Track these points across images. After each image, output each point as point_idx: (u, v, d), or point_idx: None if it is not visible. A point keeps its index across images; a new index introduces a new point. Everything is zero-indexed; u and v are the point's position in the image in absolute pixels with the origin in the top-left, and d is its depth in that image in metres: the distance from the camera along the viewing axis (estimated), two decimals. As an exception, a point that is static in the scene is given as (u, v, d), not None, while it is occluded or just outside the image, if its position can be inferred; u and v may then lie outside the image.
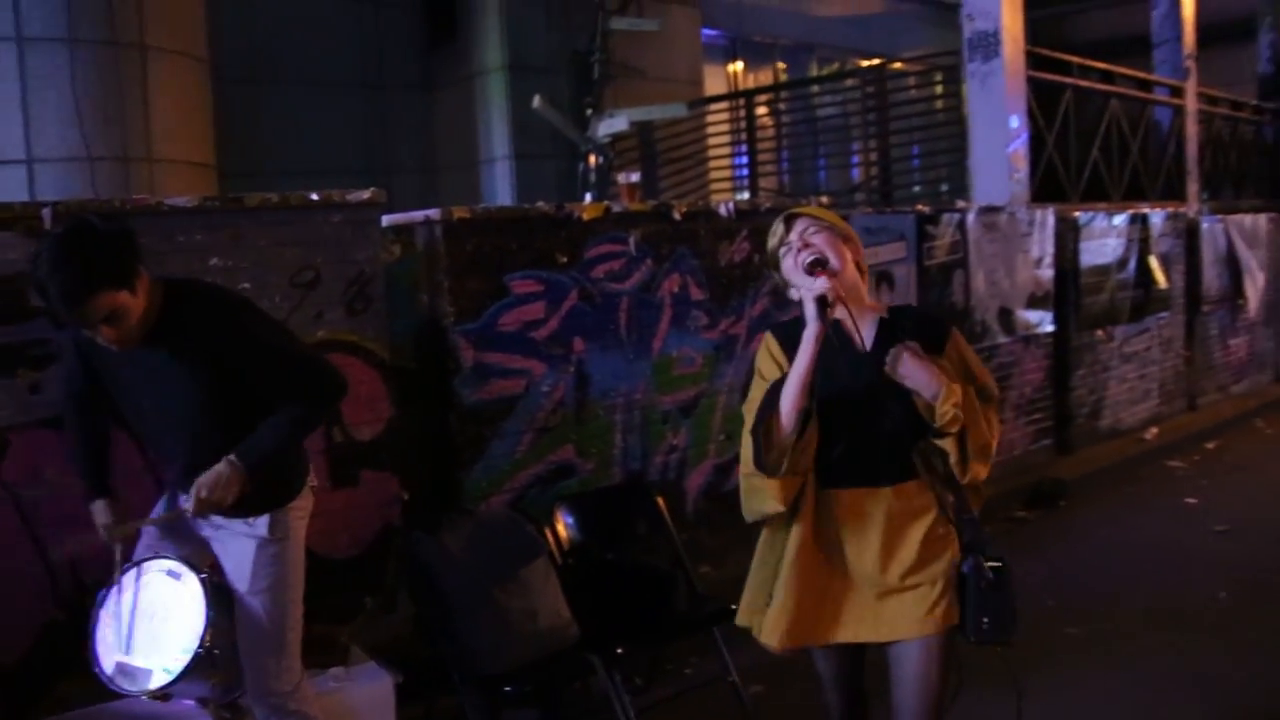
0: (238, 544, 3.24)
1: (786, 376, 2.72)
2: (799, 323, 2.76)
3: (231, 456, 3.06)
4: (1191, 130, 12.22)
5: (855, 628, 2.87)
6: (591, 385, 5.39)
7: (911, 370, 2.69)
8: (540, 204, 5.26)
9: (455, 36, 10.17)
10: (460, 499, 4.84)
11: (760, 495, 2.84)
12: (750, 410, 2.80)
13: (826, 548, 2.86)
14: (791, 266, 2.83)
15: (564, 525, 4.47)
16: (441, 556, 3.84)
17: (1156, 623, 5.36)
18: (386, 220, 4.85)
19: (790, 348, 2.75)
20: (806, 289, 2.72)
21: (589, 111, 9.73)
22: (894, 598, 2.82)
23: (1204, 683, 4.72)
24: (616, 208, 5.52)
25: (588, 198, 8.47)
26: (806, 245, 2.81)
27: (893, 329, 2.86)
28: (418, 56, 10.46)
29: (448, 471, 4.90)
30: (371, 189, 4.55)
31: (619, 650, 3.88)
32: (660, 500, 4.79)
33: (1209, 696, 4.61)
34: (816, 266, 2.74)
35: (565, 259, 5.24)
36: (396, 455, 4.66)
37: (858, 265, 2.92)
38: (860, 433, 2.80)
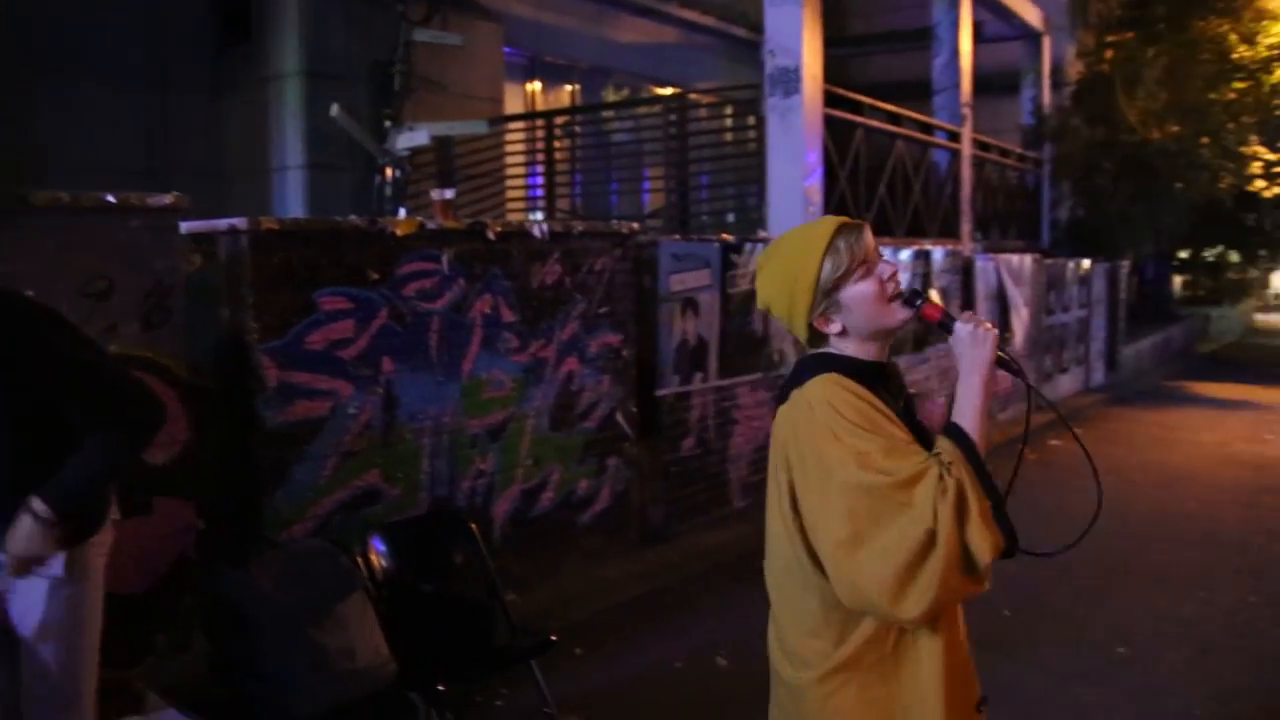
0: (28, 584, 2.88)
1: (957, 424, 2.14)
2: (830, 359, 2.23)
3: (37, 502, 2.75)
4: (966, 173, 12.94)
5: None
6: (400, 407, 5.21)
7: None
8: (353, 217, 5.05)
9: (249, 37, 9.72)
10: (261, 527, 4.57)
11: (949, 573, 2.03)
12: (898, 471, 2.03)
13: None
14: (876, 293, 2.19)
15: (377, 555, 4.27)
16: (251, 591, 3.61)
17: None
18: (185, 228, 4.54)
19: (870, 386, 2.17)
20: (970, 331, 2.17)
21: (388, 123, 9.46)
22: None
23: (1003, 697, 4.91)
24: (431, 224, 5.36)
25: (401, 212, 8.22)
26: (890, 269, 2.24)
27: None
28: (207, 55, 9.93)
29: (248, 498, 4.62)
30: (173, 193, 4.27)
31: (440, 688, 3.73)
32: (474, 527, 4.64)
33: (1009, 714, 4.79)
34: (917, 298, 2.22)
35: (376, 276, 5.05)
36: (193, 481, 4.37)
37: None
38: None
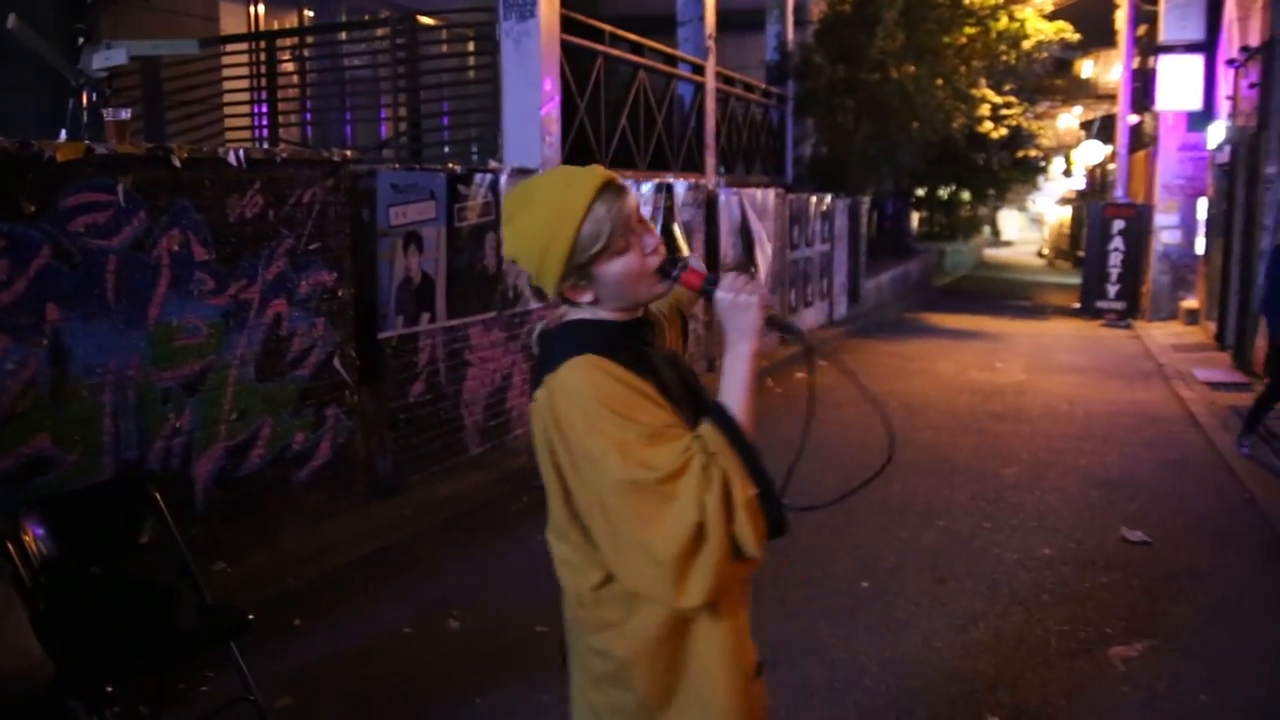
0: None
1: (722, 405, 2.02)
2: (581, 331, 2.08)
3: None
4: (710, 107, 12.80)
5: None
6: (71, 361, 4.53)
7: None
8: (-1, 139, 4.30)
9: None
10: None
11: (723, 563, 1.95)
12: (661, 465, 1.92)
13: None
14: (637, 271, 2.06)
15: (32, 536, 3.64)
16: None
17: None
18: None
19: (632, 364, 2.02)
20: (732, 299, 2.03)
21: (81, 40, 8.42)
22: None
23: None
24: (101, 149, 4.65)
25: (63, 135, 7.30)
26: (654, 241, 2.10)
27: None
28: None
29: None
30: None
31: (109, 689, 3.19)
32: (158, 496, 4.05)
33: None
34: (675, 266, 2.09)
35: (33, 208, 4.34)
36: None
37: None
38: None
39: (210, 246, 5.13)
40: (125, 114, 5.04)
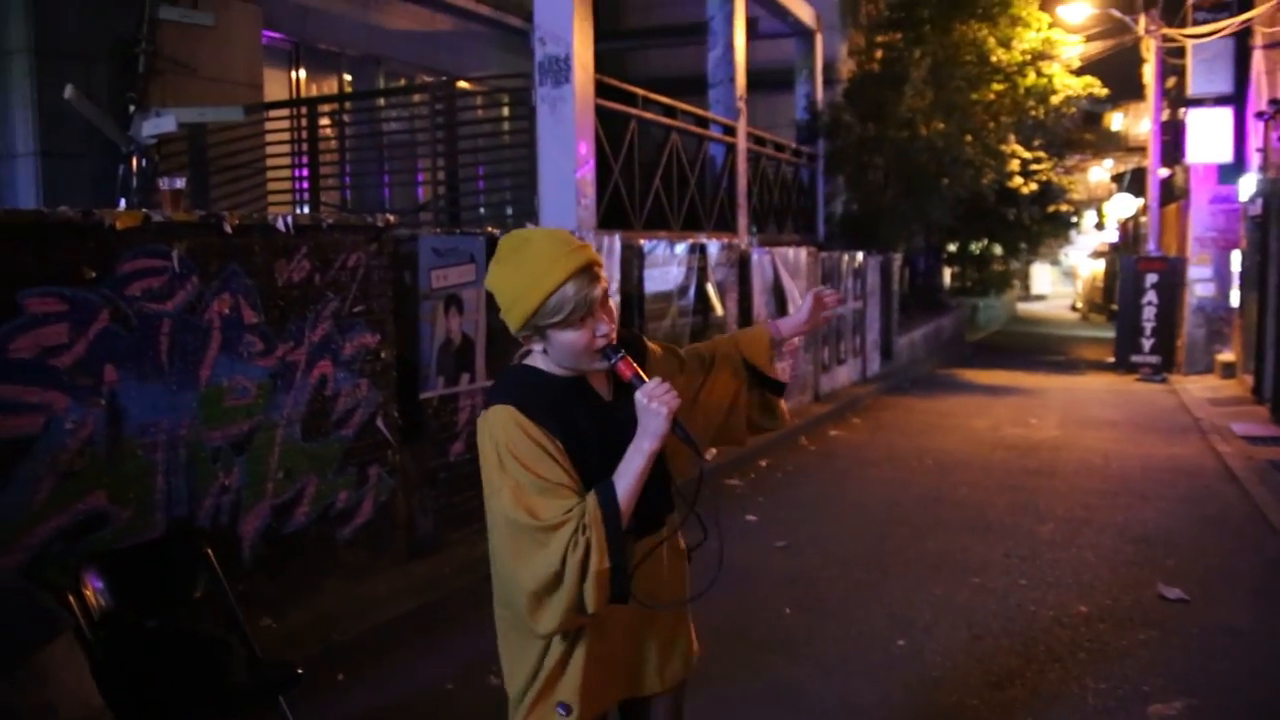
0: None
1: (610, 486, 2.32)
2: (520, 380, 2.47)
3: None
4: (742, 167, 12.99)
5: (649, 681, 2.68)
6: (127, 420, 4.68)
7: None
8: (64, 209, 4.48)
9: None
10: (-44, 563, 4.00)
11: (570, 611, 2.32)
12: (545, 517, 2.28)
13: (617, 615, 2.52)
14: (584, 346, 2.37)
15: (93, 590, 3.77)
16: (-79, 645, 3.07)
17: (726, 642, 5.41)
18: None
19: (544, 418, 2.36)
20: (646, 404, 2.30)
21: (132, 108, 8.71)
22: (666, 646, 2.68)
23: (785, 699, 4.81)
24: (157, 216, 4.83)
25: (122, 204, 7.52)
26: (606, 328, 2.40)
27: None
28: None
29: (-60, 530, 4.04)
30: None
31: (162, 740, 3.30)
32: (209, 552, 4.18)
33: (791, 715, 4.69)
34: (615, 354, 2.41)
35: (94, 274, 4.51)
36: None
37: None
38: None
39: (259, 310, 5.29)
40: (180, 183, 5.24)
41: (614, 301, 2.52)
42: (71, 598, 3.68)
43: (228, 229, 5.08)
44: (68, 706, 3.22)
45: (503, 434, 2.33)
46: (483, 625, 5.74)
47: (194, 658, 3.75)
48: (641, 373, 2.39)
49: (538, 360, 2.48)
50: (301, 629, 5.41)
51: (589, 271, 2.34)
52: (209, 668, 3.74)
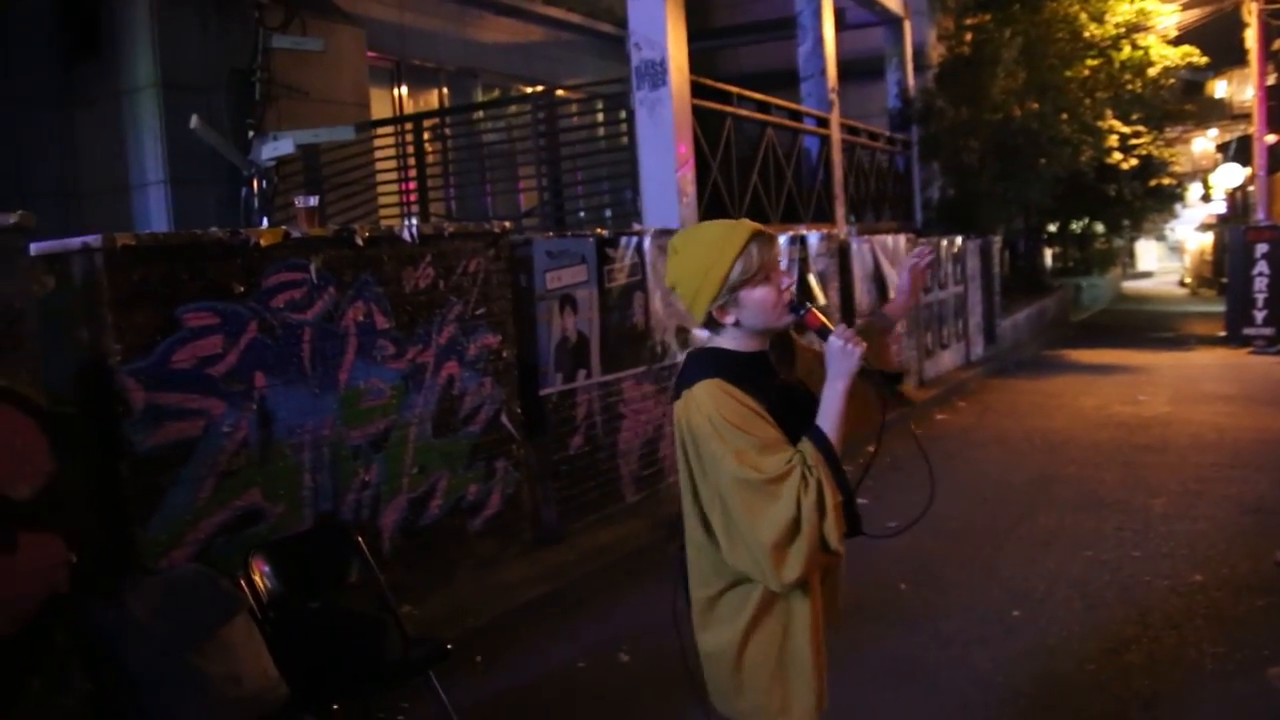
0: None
1: (819, 428, 2.51)
2: (715, 359, 2.62)
3: None
4: (837, 158, 13.11)
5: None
6: (276, 423, 5.05)
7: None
8: (214, 230, 4.88)
9: (100, 49, 9.33)
10: (138, 557, 4.38)
11: (813, 551, 2.47)
12: (770, 469, 2.44)
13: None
14: (773, 300, 2.57)
15: (261, 576, 4.13)
16: (125, 625, 3.45)
17: (845, 619, 5.57)
18: (35, 249, 4.32)
19: (746, 386, 2.54)
20: (841, 346, 2.49)
21: (251, 133, 9.19)
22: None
23: (905, 670, 4.98)
24: (295, 233, 5.21)
25: (264, 223, 7.96)
26: (788, 281, 2.64)
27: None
28: (56, 69, 9.50)
29: (121, 527, 4.42)
30: (19, 212, 4.03)
31: (335, 706, 3.62)
32: (360, 540, 4.53)
33: (912, 685, 4.86)
34: (803, 305, 2.61)
35: (242, 288, 4.90)
36: (60, 513, 4.13)
37: None
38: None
39: (390, 315, 5.65)
40: (313, 201, 5.59)
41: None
42: (243, 583, 4.05)
43: (359, 241, 5.44)
44: (250, 676, 3.59)
45: (712, 404, 2.50)
46: (609, 608, 6.08)
47: (353, 635, 4.08)
48: (828, 322, 2.57)
49: (722, 342, 2.65)
50: (439, 615, 5.73)
51: (763, 235, 2.57)
52: (367, 644, 4.07)
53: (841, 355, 2.49)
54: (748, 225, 2.58)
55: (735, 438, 2.46)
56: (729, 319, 2.60)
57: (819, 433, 2.49)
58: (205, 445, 4.72)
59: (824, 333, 2.56)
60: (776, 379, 2.65)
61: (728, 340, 2.64)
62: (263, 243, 4.96)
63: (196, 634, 3.50)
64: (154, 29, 9.14)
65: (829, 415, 2.50)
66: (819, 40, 13.14)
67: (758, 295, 2.56)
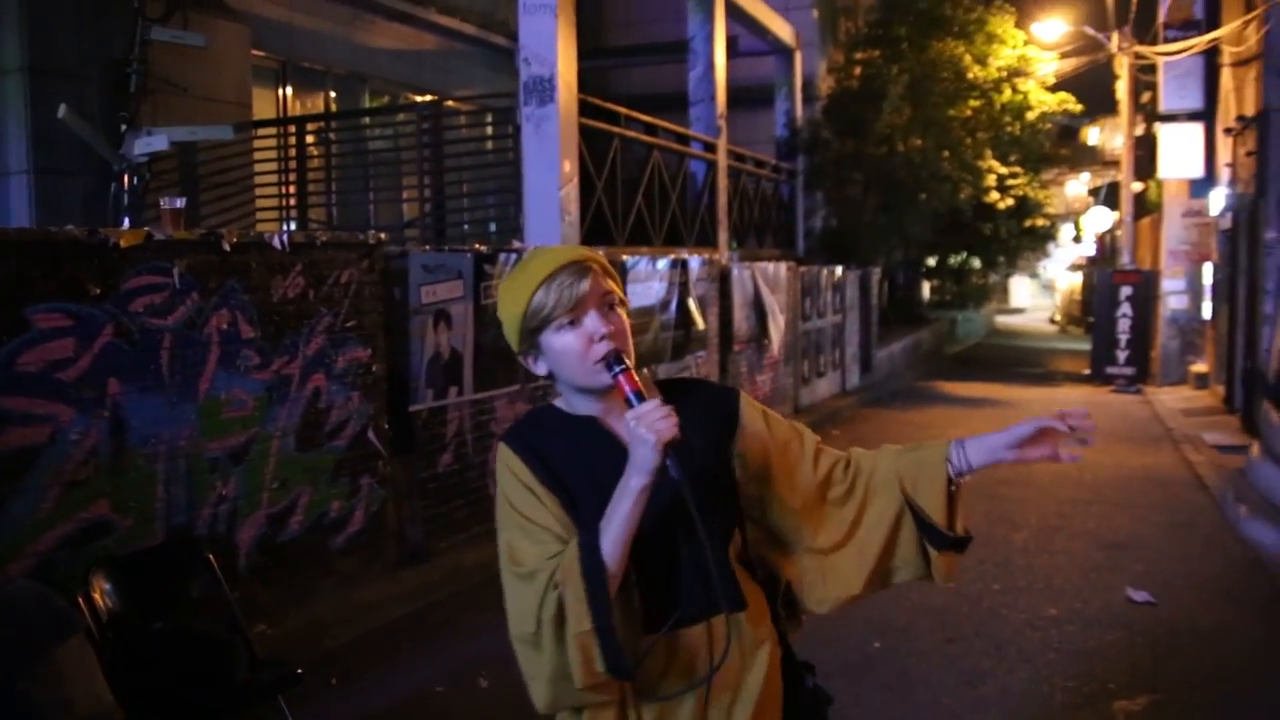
0: None
1: (593, 534, 1.94)
2: (534, 420, 2.17)
3: None
4: (722, 183, 13.21)
5: None
6: (129, 432, 4.85)
7: None
8: (70, 228, 4.66)
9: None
10: (-33, 569, 4.16)
11: (553, 682, 1.96)
12: (523, 563, 1.99)
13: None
14: (578, 351, 2.00)
15: (102, 594, 3.94)
16: (-55, 643, 3.25)
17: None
18: None
19: (538, 464, 2.04)
20: (639, 424, 1.89)
21: (124, 127, 8.87)
22: None
23: None
24: (158, 235, 5.02)
25: (126, 223, 7.68)
26: (601, 329, 2.01)
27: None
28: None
29: (-48, 537, 4.20)
30: None
31: (171, 734, 3.47)
32: (211, 557, 4.36)
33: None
34: (618, 364, 1.98)
35: (98, 290, 4.69)
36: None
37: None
38: (678, 551, 2.08)
39: (256, 325, 5.48)
40: (180, 202, 5.40)
41: (622, 313, 2.06)
42: (81, 601, 3.86)
43: (226, 247, 5.27)
44: (83, 702, 3.41)
45: (499, 472, 2.07)
46: (471, 630, 5.97)
47: (198, 657, 3.92)
48: (643, 391, 1.96)
49: (558, 399, 2.16)
50: (296, 634, 5.57)
51: (576, 265, 2.01)
52: (212, 667, 3.91)
53: (636, 442, 1.90)
54: (560, 256, 2.03)
55: (505, 513, 2.05)
56: (540, 369, 2.10)
57: (589, 542, 1.92)
58: (51, 453, 4.51)
59: (630, 401, 1.95)
60: (616, 445, 2.04)
61: (562, 399, 2.15)
62: (123, 244, 4.76)
63: (25, 656, 3.31)
64: (22, 9, 8.78)
65: (611, 521, 1.93)
66: (710, 66, 13.24)
67: (558, 344, 2.02)
